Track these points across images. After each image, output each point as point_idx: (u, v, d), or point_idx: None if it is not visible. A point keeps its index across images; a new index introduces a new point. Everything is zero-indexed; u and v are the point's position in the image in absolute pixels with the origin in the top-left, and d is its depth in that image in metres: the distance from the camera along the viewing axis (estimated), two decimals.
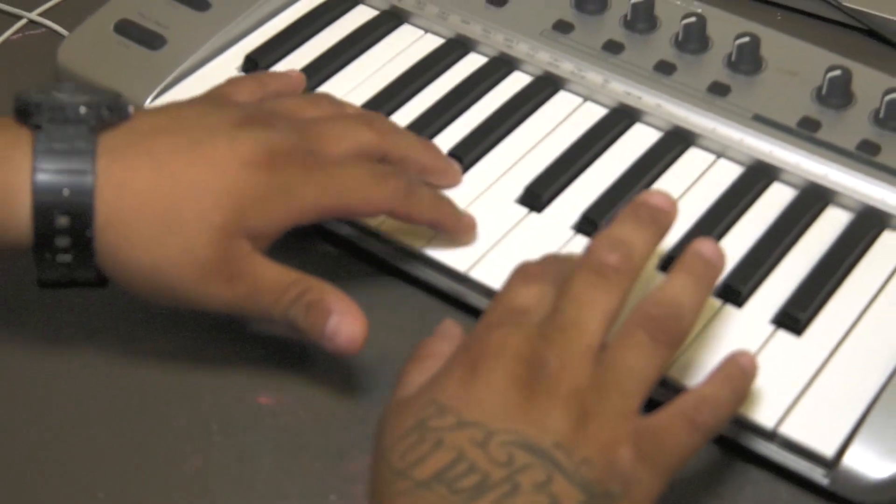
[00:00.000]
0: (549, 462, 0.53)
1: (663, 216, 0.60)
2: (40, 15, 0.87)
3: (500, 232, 0.69)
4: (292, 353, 0.67)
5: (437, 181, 0.71)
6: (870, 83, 0.74)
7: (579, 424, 0.54)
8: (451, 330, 0.62)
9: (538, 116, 0.76)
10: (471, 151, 0.73)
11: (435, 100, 0.77)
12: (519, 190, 0.71)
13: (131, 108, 0.64)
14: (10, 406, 0.66)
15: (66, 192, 0.60)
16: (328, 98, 0.72)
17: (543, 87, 0.77)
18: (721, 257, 0.59)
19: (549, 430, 0.54)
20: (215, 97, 0.70)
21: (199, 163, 0.62)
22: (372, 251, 0.71)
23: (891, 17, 0.84)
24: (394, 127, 0.71)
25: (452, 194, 0.71)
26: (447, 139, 0.74)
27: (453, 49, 0.80)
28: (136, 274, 0.62)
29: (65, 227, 0.60)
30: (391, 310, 0.69)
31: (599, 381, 0.55)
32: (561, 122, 0.75)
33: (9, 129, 0.61)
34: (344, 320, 0.61)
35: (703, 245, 0.59)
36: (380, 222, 0.70)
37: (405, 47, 0.80)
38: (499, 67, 0.78)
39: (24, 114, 0.61)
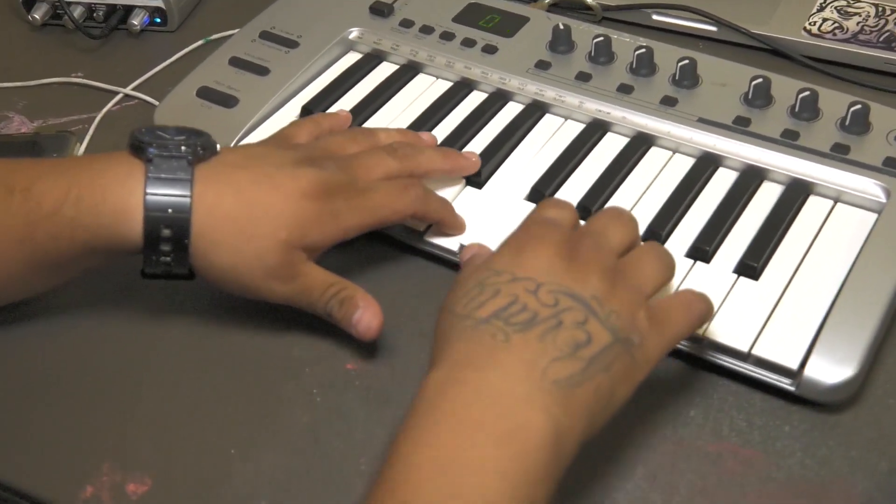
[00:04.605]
0: (586, 307, 0.52)
1: None
2: (133, 89, 0.86)
3: (516, 223, 0.66)
4: None
5: (461, 175, 0.70)
6: (784, 87, 0.73)
7: (611, 287, 0.53)
8: (473, 247, 0.62)
9: (533, 134, 0.74)
10: (487, 164, 0.71)
11: (452, 128, 0.75)
12: (527, 189, 0.70)
13: (219, 147, 0.63)
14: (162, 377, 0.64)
15: (170, 210, 0.59)
16: (364, 133, 0.70)
17: (533, 112, 0.76)
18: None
19: (588, 286, 0.53)
20: (280, 139, 0.69)
21: (270, 192, 0.61)
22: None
23: (788, 38, 0.84)
24: (414, 150, 0.68)
25: (478, 198, 0.70)
26: None
27: (460, 89, 0.78)
28: (219, 272, 0.61)
29: (167, 237, 0.60)
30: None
31: (623, 270, 0.55)
32: (551, 136, 0.74)
33: (126, 161, 0.61)
34: (365, 314, 0.62)
35: None
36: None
37: (423, 91, 0.79)
38: (497, 100, 0.77)
39: (138, 149, 0.60)
